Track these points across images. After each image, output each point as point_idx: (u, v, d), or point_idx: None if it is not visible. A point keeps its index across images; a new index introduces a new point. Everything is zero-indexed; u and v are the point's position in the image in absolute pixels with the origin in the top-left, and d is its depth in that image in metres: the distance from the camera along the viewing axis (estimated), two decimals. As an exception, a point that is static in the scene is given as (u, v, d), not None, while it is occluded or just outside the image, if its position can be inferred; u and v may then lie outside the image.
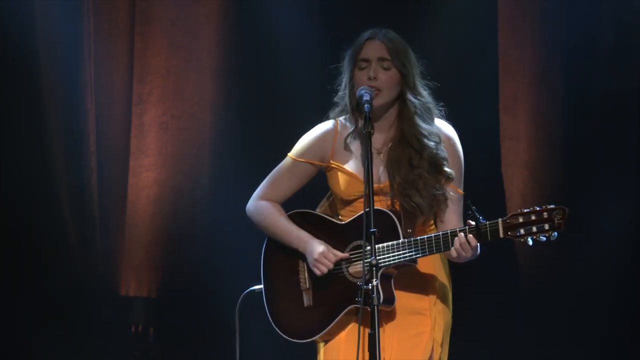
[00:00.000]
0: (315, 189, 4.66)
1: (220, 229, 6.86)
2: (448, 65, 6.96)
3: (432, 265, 4.41)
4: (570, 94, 7.11)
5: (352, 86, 4.40)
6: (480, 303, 6.89)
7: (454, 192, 4.40)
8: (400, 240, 4.23)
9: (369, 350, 3.96)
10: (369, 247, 4.05)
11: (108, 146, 6.99)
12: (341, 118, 4.47)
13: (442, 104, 4.50)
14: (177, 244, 7.03)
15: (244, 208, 4.61)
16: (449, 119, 4.49)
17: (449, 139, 4.45)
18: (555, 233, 4.08)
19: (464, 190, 4.44)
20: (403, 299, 4.31)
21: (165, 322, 7.05)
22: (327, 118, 4.53)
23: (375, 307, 3.92)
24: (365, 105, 4.20)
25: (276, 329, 4.42)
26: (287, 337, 4.40)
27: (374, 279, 3.96)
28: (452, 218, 4.39)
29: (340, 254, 4.31)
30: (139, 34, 7.10)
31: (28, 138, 6.67)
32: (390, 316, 4.31)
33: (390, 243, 4.23)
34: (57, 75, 6.73)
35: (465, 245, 4.15)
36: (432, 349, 4.35)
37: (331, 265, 4.28)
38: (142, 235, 7.05)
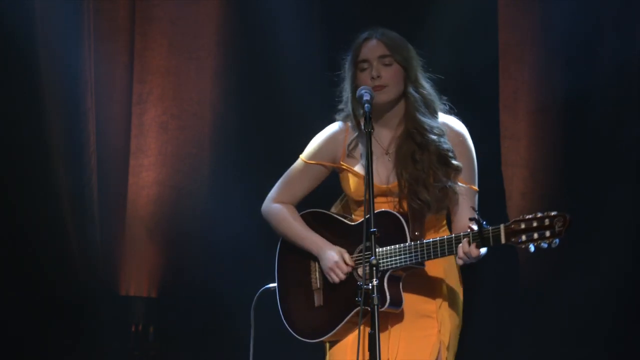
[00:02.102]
0: (329, 189, 4.68)
1: (220, 228, 6.86)
2: (448, 64, 6.95)
3: (440, 268, 4.42)
4: (570, 94, 7.11)
5: (355, 89, 4.38)
6: (480, 304, 6.89)
7: (466, 187, 4.38)
8: (406, 244, 4.24)
9: (369, 350, 3.96)
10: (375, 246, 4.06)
11: (108, 146, 6.99)
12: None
13: (445, 98, 4.49)
14: (177, 243, 7.03)
15: (243, 208, 4.62)
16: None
17: (458, 135, 4.44)
18: (557, 240, 4.06)
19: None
20: (410, 301, 4.33)
21: (165, 322, 7.05)
22: (334, 120, 4.56)
23: (376, 306, 3.92)
24: (365, 105, 4.19)
25: (287, 327, 4.46)
26: (297, 336, 4.44)
27: (374, 279, 3.96)
28: (465, 214, 4.35)
29: (351, 263, 4.35)
30: (139, 34, 7.10)
31: (28, 138, 6.67)
32: (397, 318, 4.32)
33: (397, 245, 4.25)
34: (57, 75, 6.73)
35: (468, 253, 4.16)
36: (439, 352, 4.36)
37: (343, 277, 4.32)
38: (142, 235, 7.05)
